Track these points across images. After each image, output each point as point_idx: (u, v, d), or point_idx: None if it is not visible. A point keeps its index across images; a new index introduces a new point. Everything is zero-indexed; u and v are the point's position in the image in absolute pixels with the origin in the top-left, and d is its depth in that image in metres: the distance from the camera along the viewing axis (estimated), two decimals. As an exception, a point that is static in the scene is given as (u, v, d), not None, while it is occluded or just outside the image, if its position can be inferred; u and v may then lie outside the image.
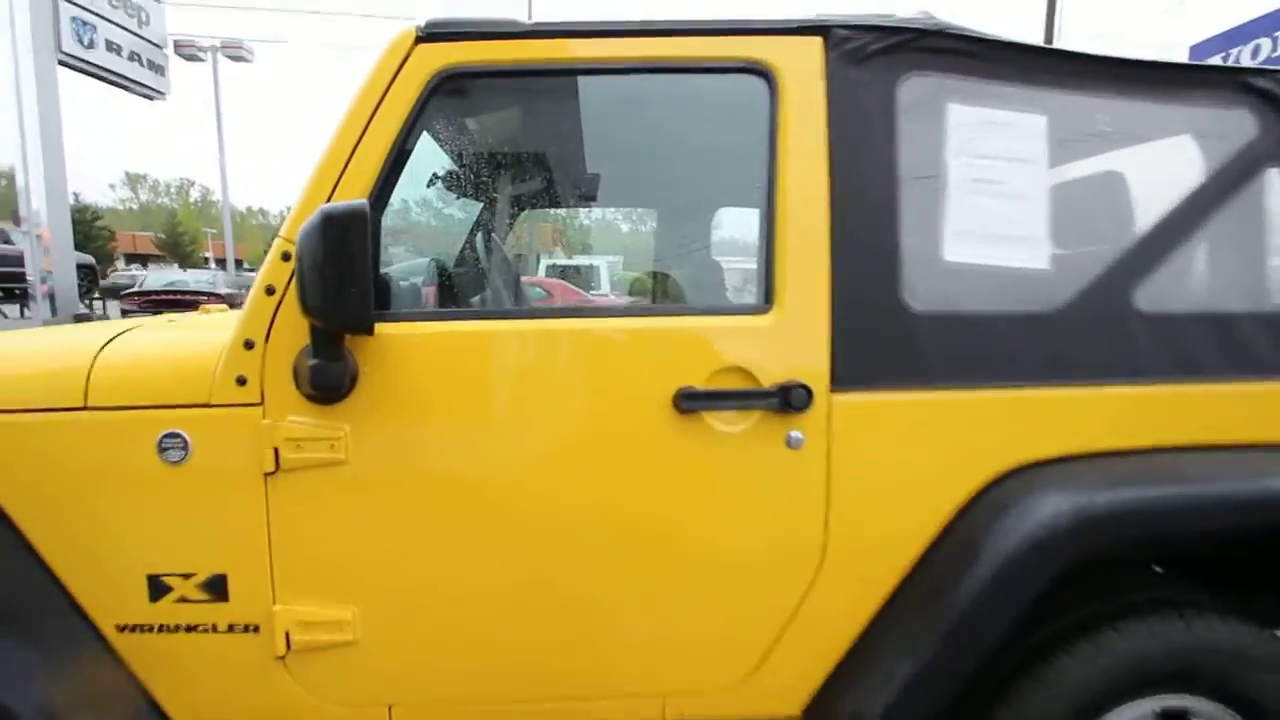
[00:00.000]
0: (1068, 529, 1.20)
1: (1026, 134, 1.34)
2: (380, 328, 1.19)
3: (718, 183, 1.97)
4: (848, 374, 1.24)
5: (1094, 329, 1.29)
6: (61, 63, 8.93)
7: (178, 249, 50.11)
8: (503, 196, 1.98)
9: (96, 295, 14.93)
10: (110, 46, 9.45)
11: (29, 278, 8.85)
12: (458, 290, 1.67)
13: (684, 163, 1.89)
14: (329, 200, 1.19)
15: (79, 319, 8.70)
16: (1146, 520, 1.20)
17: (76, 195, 41.74)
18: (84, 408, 1.18)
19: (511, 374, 1.22)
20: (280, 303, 1.19)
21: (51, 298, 8.79)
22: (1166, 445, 1.29)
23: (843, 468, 1.25)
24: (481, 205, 1.99)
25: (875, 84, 1.27)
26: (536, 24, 1.27)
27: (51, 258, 8.63)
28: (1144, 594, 1.31)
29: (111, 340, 1.27)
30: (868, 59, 1.28)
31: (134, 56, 9.87)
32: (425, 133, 1.45)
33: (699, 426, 1.23)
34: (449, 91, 1.27)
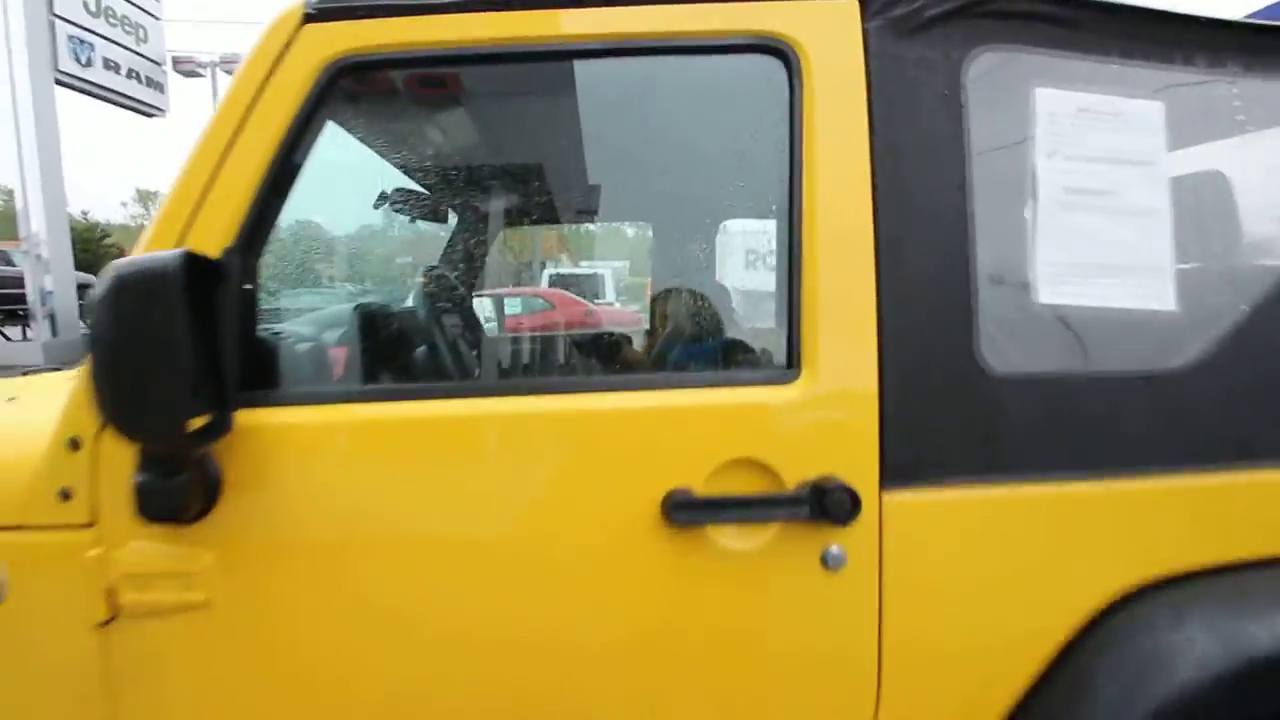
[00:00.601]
0: (1222, 679, 0.84)
1: (1141, 126, 0.98)
2: (255, 416, 0.86)
3: (721, 197, 1.61)
4: (905, 464, 0.89)
5: (1252, 392, 0.93)
6: (59, 81, 8.78)
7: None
8: (467, 216, 1.65)
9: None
10: (108, 64, 9.28)
11: (29, 299, 8.71)
12: (388, 352, 1.28)
13: (678, 171, 1.52)
14: (181, 240, 0.87)
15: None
16: None
17: (85, 214, 42.08)
18: None
19: (437, 480, 0.88)
20: None
21: (52, 318, 8.64)
22: None
23: (900, 595, 0.90)
24: (438, 227, 1.67)
25: (934, 64, 0.92)
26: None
27: (52, 278, 8.48)
28: None
29: None
30: (922, 30, 0.93)
31: (132, 74, 9.69)
32: (342, 140, 1.12)
33: (699, 544, 0.88)
34: (352, 86, 0.95)
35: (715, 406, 0.89)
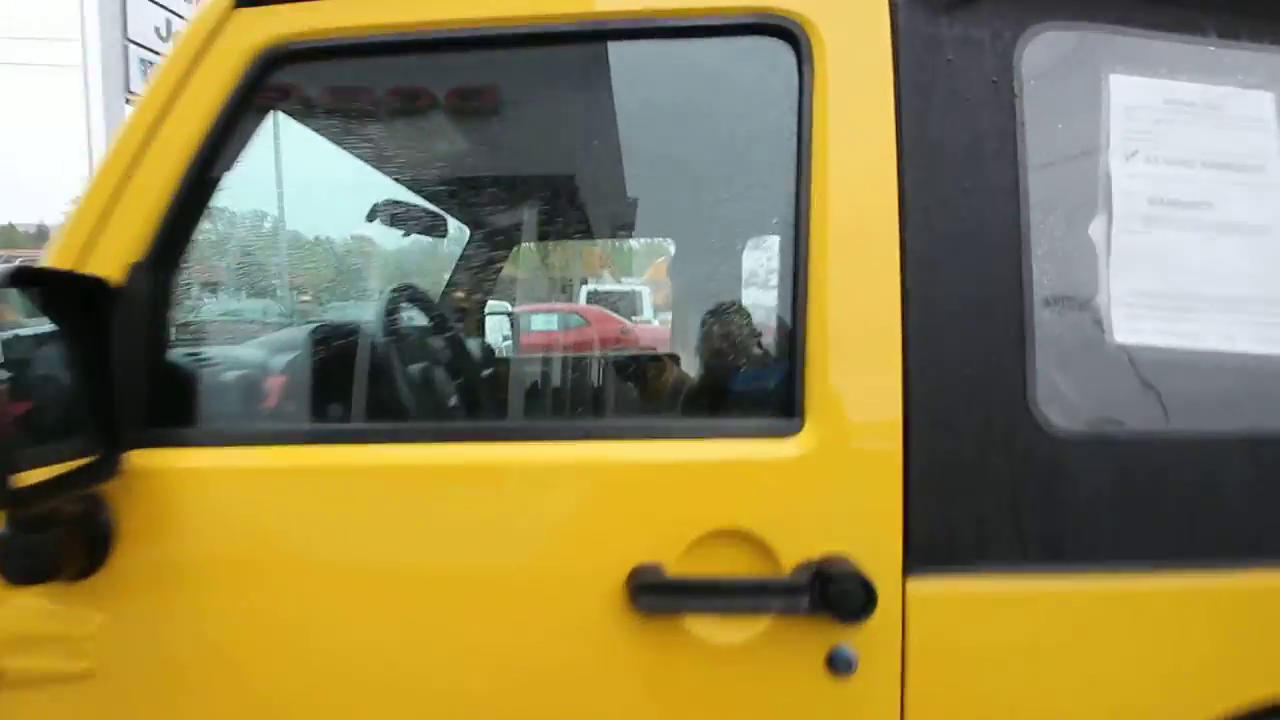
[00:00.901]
0: None
1: (1247, 122, 0.78)
2: (159, 458, 0.73)
3: (719, 207, 1.41)
4: (937, 544, 0.71)
5: None
6: (129, 101, 9.27)
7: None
8: (439, 226, 1.53)
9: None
10: (175, 86, 9.77)
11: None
12: (332, 385, 1.02)
13: (669, 177, 1.35)
14: (84, 253, 0.76)
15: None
16: None
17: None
18: None
19: (372, 541, 0.74)
20: None
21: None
22: None
23: (928, 712, 0.70)
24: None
25: (979, 45, 0.75)
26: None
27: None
28: None
29: None
30: (964, 4, 0.76)
31: (197, 95, 10.18)
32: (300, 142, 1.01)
33: (672, 636, 0.71)
34: (297, 78, 0.83)
35: (694, 463, 0.72)
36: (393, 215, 1.43)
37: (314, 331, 1.04)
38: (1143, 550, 0.71)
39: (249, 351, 1.08)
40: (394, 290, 1.10)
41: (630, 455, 0.72)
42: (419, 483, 0.73)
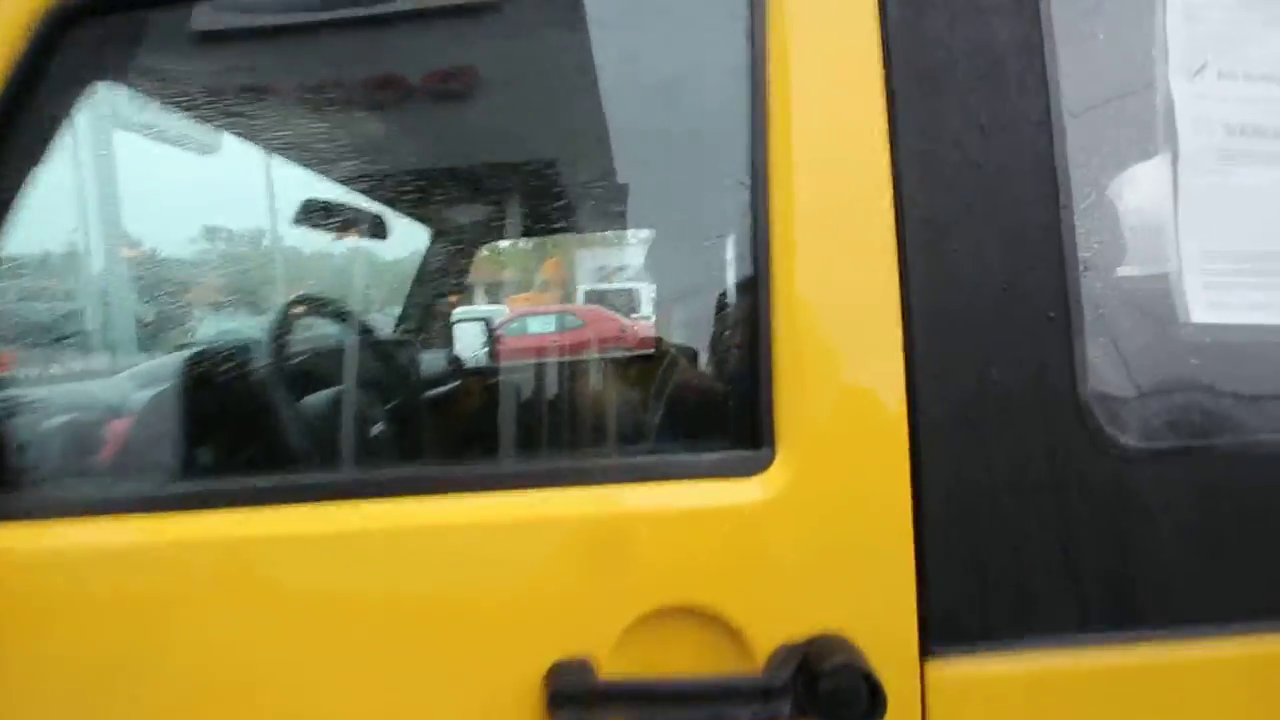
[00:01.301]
0: None
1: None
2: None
3: (643, 163, 1.13)
4: (964, 615, 0.51)
5: None
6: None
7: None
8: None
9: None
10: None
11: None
12: (177, 430, 0.80)
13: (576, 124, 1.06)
14: None
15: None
16: None
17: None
18: None
19: (230, 638, 0.55)
20: None
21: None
22: None
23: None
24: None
25: None
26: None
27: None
28: None
29: None
30: None
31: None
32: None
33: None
34: (104, 46, 0.64)
35: (627, 516, 0.53)
36: (314, 216, 1.24)
37: (181, 364, 0.83)
38: (1247, 608, 0.52)
39: (102, 390, 0.87)
40: (290, 304, 0.90)
41: (540, 510, 0.53)
42: (236, 562, 0.54)
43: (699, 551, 0.52)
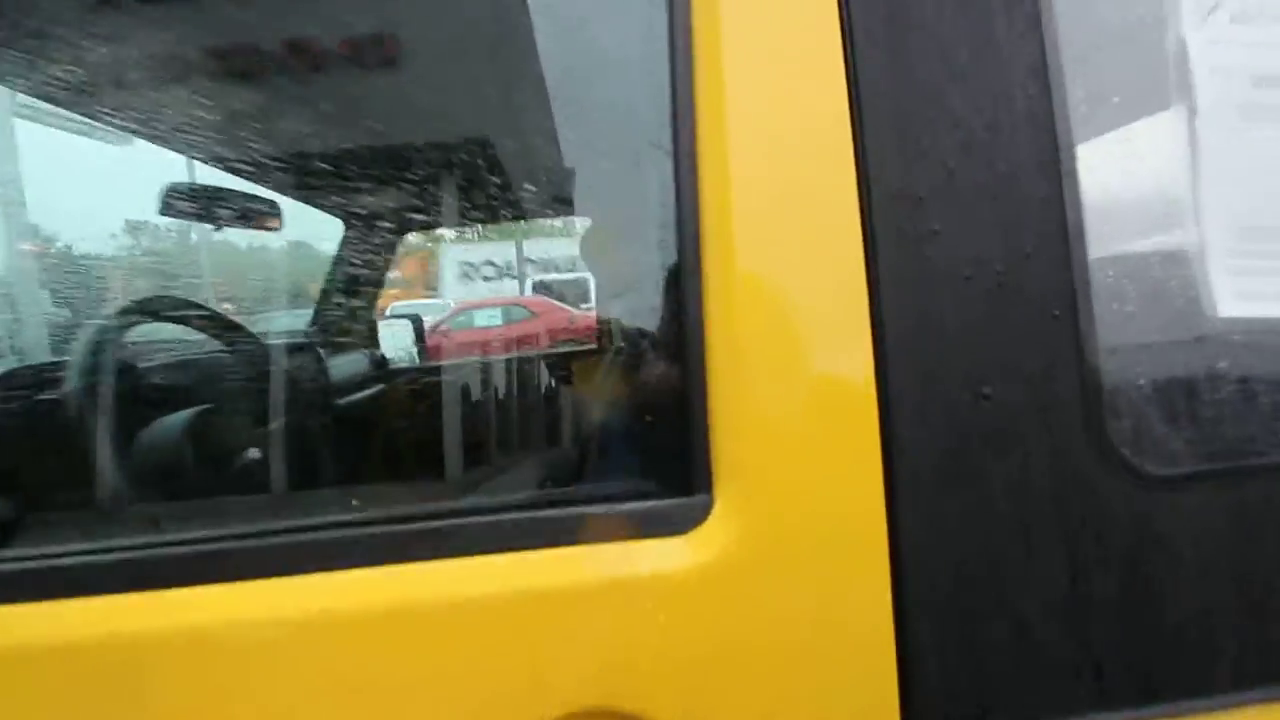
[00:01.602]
0: None
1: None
2: None
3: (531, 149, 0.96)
4: (956, 698, 0.40)
5: None
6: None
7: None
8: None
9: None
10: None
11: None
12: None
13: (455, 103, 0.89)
14: None
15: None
16: None
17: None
18: None
19: None
20: None
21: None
22: None
23: None
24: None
25: None
26: None
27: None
28: None
29: None
30: None
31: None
32: None
33: None
34: None
35: (523, 593, 0.40)
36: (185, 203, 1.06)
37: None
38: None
39: None
40: (118, 314, 0.71)
41: (410, 590, 0.40)
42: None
43: (616, 635, 0.39)
